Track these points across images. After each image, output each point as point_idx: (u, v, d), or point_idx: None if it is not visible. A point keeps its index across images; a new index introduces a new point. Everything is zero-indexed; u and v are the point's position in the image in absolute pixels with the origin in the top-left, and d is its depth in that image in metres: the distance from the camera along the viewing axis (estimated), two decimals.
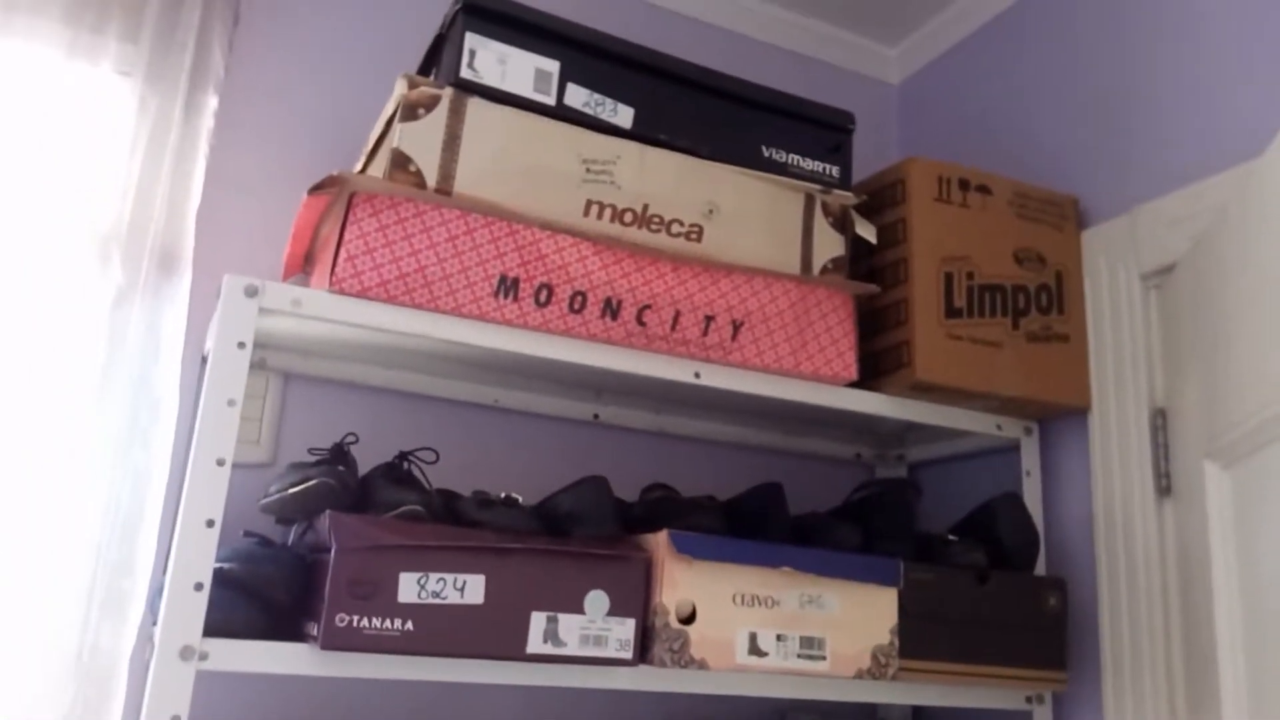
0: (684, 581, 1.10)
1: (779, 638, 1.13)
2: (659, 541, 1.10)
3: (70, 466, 1.15)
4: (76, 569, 1.13)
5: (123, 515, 1.16)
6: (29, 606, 1.11)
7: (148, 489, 1.17)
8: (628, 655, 1.06)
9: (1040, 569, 1.35)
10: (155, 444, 1.19)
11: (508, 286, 1.10)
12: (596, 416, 1.50)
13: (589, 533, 1.09)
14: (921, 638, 1.19)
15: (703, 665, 1.09)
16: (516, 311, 1.11)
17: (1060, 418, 1.39)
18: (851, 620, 1.16)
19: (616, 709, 1.46)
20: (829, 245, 1.24)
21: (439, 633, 0.99)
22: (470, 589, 1.01)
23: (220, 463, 0.98)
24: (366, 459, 1.34)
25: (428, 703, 1.36)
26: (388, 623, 0.97)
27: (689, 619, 1.09)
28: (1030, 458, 1.39)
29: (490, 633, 1.01)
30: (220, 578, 1.00)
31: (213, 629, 0.96)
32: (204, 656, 0.94)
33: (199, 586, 0.95)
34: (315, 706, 1.31)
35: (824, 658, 1.15)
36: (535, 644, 1.03)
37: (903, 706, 1.57)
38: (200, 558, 0.95)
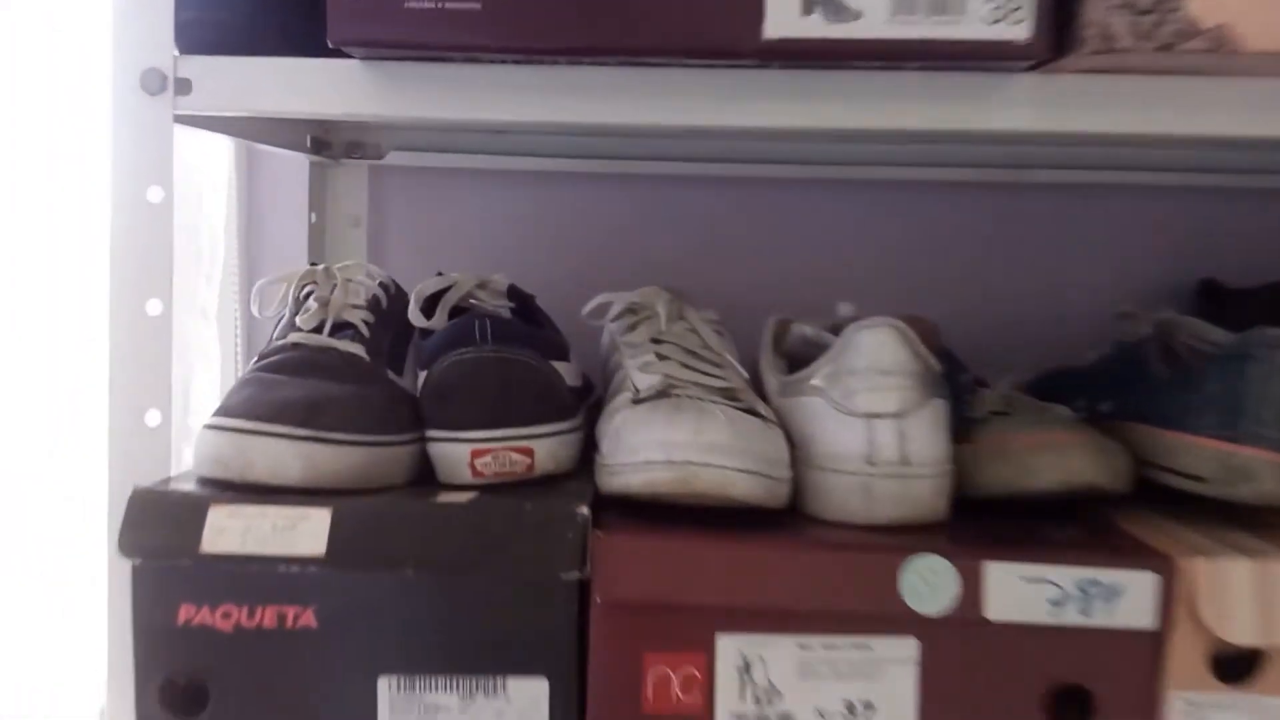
0: None
1: None
2: None
3: None
4: None
5: None
6: None
7: None
8: (1022, 34, 0.44)
9: None
10: None
11: None
12: None
13: None
14: None
15: (1225, 46, 0.43)
16: None
17: None
18: None
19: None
20: None
21: (542, 7, 0.45)
22: None
23: None
24: None
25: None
26: None
27: None
28: None
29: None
30: None
31: (190, 43, 0.53)
32: (184, 89, 0.52)
33: None
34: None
35: None
36: (784, 22, 0.45)
37: None
38: None
